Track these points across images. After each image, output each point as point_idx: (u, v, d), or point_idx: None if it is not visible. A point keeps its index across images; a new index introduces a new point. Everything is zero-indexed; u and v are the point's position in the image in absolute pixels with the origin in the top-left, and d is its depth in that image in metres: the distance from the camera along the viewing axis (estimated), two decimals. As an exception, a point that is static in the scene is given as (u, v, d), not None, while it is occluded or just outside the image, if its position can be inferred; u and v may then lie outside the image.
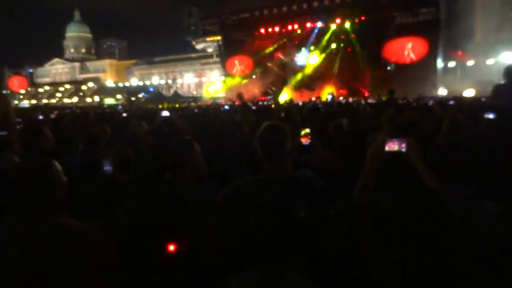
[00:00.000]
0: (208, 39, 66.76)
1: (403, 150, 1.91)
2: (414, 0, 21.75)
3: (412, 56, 22.37)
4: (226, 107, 10.26)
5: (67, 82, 73.09)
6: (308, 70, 27.56)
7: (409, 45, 22.43)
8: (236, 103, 11.11)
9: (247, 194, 1.82)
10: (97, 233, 1.58)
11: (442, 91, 24.07)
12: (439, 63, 25.27)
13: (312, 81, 27.36)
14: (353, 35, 24.79)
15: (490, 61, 27.52)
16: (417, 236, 1.38)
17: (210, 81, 57.19)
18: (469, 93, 21.25)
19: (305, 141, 2.73)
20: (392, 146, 1.93)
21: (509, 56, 26.59)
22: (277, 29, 26.14)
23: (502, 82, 5.16)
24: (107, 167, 2.26)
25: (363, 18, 22.89)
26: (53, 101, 61.98)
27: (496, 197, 1.95)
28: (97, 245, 1.53)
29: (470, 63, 29.12)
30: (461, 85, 26.02)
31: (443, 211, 1.39)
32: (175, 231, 2.18)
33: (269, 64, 29.03)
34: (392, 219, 1.44)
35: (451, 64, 28.60)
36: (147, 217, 2.19)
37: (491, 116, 3.39)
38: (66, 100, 60.28)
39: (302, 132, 2.77)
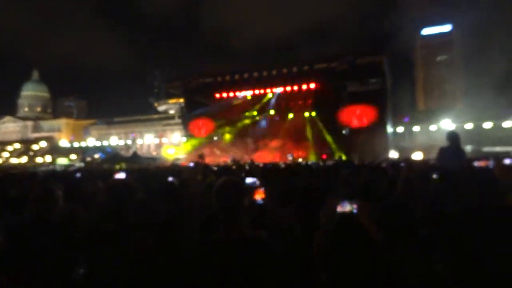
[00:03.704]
0: (170, 101, 67.82)
1: (354, 211, 2.06)
2: (363, 71, 23.74)
3: (361, 122, 23.98)
4: (191, 164, 10.46)
5: (16, 141, 69.42)
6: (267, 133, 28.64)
7: (358, 112, 24.16)
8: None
9: (204, 257, 1.75)
10: None
11: (393, 154, 25.60)
12: (389, 128, 27.21)
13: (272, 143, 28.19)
14: (309, 101, 26.32)
15: (433, 127, 30.35)
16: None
17: (171, 142, 56.88)
18: (417, 156, 22.91)
19: (258, 198, 2.76)
20: (344, 207, 2.08)
21: (449, 123, 29.44)
22: (238, 94, 27.28)
23: (446, 145, 5.68)
24: None
25: (319, 85, 24.47)
26: (-1, 160, 58.21)
27: (438, 254, 2.04)
28: None
29: (416, 128, 31.95)
30: (410, 148, 28.02)
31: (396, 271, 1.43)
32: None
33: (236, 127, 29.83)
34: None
35: (400, 129, 30.99)
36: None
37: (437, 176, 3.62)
38: (13, 160, 56.78)
39: (256, 192, 2.80)
